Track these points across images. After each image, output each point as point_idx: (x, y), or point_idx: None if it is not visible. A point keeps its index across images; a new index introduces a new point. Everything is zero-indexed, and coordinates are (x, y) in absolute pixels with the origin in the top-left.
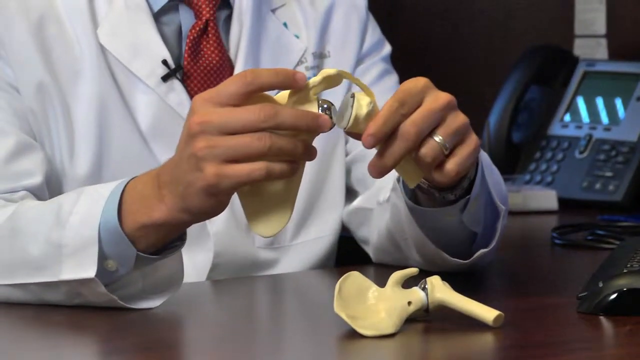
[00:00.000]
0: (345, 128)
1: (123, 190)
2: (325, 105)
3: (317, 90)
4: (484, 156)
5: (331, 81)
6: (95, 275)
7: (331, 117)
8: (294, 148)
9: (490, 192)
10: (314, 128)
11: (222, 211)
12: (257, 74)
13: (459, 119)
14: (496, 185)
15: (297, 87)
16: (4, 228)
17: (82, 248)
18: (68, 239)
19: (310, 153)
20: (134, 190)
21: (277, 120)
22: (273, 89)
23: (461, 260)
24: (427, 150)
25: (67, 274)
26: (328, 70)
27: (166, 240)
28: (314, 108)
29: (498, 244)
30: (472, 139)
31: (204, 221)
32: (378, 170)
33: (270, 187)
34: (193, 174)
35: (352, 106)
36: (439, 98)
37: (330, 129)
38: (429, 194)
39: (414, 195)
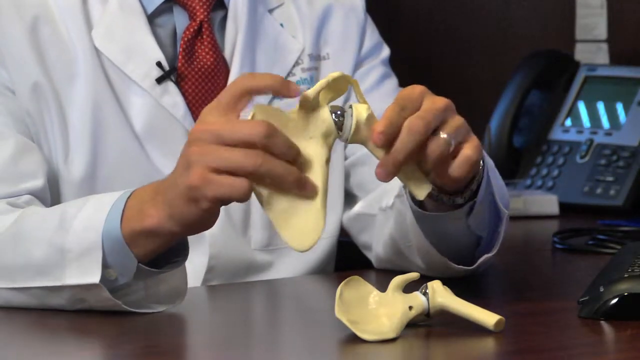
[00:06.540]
0: (347, 139)
1: (128, 198)
2: (338, 112)
3: (327, 98)
4: (488, 159)
5: (336, 86)
6: (100, 281)
7: (343, 124)
8: (284, 174)
9: (494, 196)
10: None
11: (210, 226)
12: (253, 76)
13: (458, 119)
14: (499, 189)
15: (289, 96)
16: (7, 233)
17: (85, 253)
18: (72, 244)
19: (304, 186)
20: (137, 196)
21: (272, 140)
22: (268, 92)
23: (465, 267)
24: (434, 146)
25: (71, 279)
26: (332, 74)
27: (161, 250)
28: (325, 114)
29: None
30: (474, 138)
31: (194, 234)
32: (387, 171)
33: (292, 199)
34: (180, 176)
35: (351, 115)
36: (437, 101)
37: (342, 139)
38: (438, 200)
39: (419, 202)
